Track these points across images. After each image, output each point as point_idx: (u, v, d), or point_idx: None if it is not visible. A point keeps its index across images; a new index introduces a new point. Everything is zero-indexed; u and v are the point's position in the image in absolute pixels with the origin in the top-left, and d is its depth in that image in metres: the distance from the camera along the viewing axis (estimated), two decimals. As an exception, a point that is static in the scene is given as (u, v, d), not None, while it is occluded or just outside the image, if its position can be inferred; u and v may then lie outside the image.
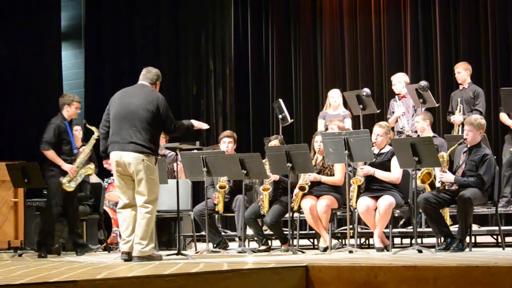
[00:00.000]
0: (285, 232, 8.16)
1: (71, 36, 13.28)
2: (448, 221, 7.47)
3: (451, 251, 6.90)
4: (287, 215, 7.88)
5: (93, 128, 8.18)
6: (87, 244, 8.32)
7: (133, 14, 13.20)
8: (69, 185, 8.08)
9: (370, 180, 7.58)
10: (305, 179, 7.76)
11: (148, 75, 6.73)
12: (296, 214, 8.06)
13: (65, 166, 8.05)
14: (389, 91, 10.50)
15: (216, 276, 4.79)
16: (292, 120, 10.55)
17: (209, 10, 13.16)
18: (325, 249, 7.65)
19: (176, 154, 7.63)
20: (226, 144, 8.38)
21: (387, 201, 7.39)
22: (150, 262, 6.20)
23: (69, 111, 8.24)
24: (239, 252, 7.58)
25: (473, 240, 7.74)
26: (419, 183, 7.30)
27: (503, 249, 7.29)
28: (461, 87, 9.20)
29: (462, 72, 9.16)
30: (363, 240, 8.86)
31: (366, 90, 9.37)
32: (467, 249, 7.03)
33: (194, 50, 13.14)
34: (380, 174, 7.53)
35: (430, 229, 7.73)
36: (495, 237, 8.52)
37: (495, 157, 7.43)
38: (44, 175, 8.16)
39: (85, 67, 13.10)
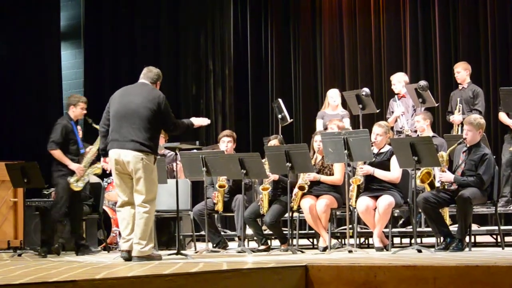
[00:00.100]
0: (284, 232, 8.17)
1: (71, 36, 13.28)
2: (448, 220, 7.47)
3: (451, 250, 6.90)
4: (286, 215, 7.89)
5: (98, 127, 8.18)
6: (88, 246, 8.32)
7: (133, 14, 13.21)
8: (77, 185, 8.10)
9: (370, 179, 7.58)
10: (304, 178, 7.76)
11: (149, 74, 6.74)
12: (295, 214, 8.06)
13: (73, 166, 8.08)
14: (388, 91, 10.51)
15: (216, 276, 4.79)
16: (292, 119, 10.55)
17: (209, 10, 13.16)
18: (325, 249, 7.65)
19: (176, 154, 7.62)
20: (226, 143, 8.38)
21: (386, 200, 7.40)
22: (149, 262, 6.20)
23: (75, 112, 8.27)
24: (239, 252, 7.57)
25: (472, 240, 7.73)
26: (418, 183, 7.30)
27: (503, 248, 7.29)
28: (460, 86, 9.21)
29: (462, 71, 9.16)
30: (362, 239, 8.86)
31: (366, 90, 9.38)
32: (467, 249, 7.03)
33: (194, 50, 13.15)
34: (379, 173, 7.53)
35: (429, 229, 7.73)
36: (494, 236, 8.53)
37: (494, 156, 7.44)
38: (53, 175, 8.20)
39: (85, 67, 13.11)
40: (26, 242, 8.95)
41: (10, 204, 9.70)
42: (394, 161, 7.51)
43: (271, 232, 8.19)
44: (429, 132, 8.69)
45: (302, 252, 7.71)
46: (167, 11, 13.23)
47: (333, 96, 9.66)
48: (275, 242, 8.66)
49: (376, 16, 11.88)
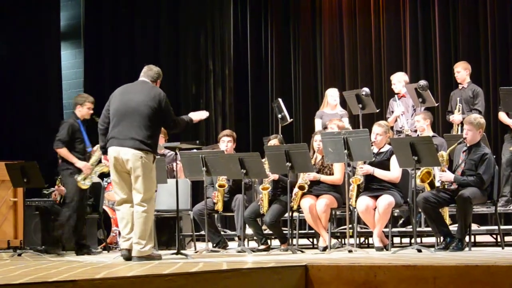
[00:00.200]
0: (284, 232, 8.16)
1: (71, 36, 13.27)
2: (448, 220, 7.47)
3: (451, 250, 6.90)
4: (286, 215, 7.88)
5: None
6: (89, 246, 8.31)
7: (133, 14, 13.20)
8: (84, 183, 8.11)
9: (370, 179, 7.58)
10: (304, 178, 7.76)
11: (149, 72, 6.74)
12: (295, 214, 8.05)
13: (79, 164, 8.08)
14: (388, 90, 10.51)
15: (216, 276, 4.78)
16: (292, 119, 10.55)
17: (209, 10, 13.17)
18: (325, 249, 7.65)
19: (176, 154, 7.62)
20: (226, 143, 8.38)
21: (386, 200, 7.39)
22: (149, 261, 6.19)
23: (81, 111, 8.28)
24: (239, 252, 7.57)
25: (472, 240, 7.73)
26: (418, 183, 7.30)
27: (503, 248, 7.29)
28: (460, 86, 9.21)
29: (462, 71, 9.16)
30: (362, 239, 8.86)
31: (366, 90, 9.38)
32: (467, 249, 7.03)
33: (194, 50, 13.15)
34: (379, 173, 7.53)
35: (429, 229, 7.73)
36: (494, 236, 8.52)
37: (494, 156, 7.44)
38: (62, 175, 8.20)
39: (85, 66, 13.10)
40: (26, 242, 8.95)
41: (10, 204, 9.70)
42: (394, 161, 7.50)
43: (271, 232, 8.19)
44: (429, 132, 8.69)
45: (302, 252, 7.70)
46: (167, 11, 13.23)
47: (333, 95, 9.65)
48: (275, 242, 8.66)
49: (376, 16, 11.88)
